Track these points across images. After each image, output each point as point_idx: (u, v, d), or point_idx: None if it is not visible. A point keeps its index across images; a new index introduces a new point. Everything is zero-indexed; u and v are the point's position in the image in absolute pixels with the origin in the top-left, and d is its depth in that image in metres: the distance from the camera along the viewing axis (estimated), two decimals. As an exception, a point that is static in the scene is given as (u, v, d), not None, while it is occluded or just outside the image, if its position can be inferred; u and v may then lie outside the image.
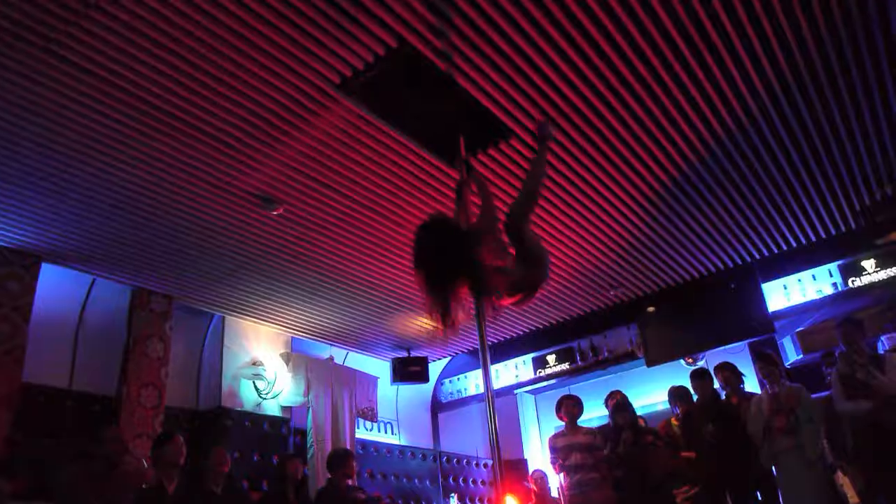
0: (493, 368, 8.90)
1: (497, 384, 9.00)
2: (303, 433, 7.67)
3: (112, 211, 5.25)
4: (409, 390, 9.45)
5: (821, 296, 7.30)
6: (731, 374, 6.22)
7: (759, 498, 5.69)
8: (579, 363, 8.74)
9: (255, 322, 7.57)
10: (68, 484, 4.27)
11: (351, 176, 5.12)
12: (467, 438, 9.74)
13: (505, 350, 9.04)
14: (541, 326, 8.61)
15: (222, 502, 5.18)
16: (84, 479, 4.33)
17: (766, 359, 5.78)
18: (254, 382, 7.35)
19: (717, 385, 6.38)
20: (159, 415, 6.31)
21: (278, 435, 7.41)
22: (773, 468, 5.50)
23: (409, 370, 8.81)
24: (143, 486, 4.96)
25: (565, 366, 8.85)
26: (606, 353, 8.57)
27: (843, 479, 6.20)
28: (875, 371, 5.27)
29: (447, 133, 4.28)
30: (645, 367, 8.09)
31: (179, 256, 6.02)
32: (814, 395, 5.75)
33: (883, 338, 7.65)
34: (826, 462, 5.61)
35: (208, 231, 5.66)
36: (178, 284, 6.56)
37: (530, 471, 8.73)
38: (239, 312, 7.32)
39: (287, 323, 7.68)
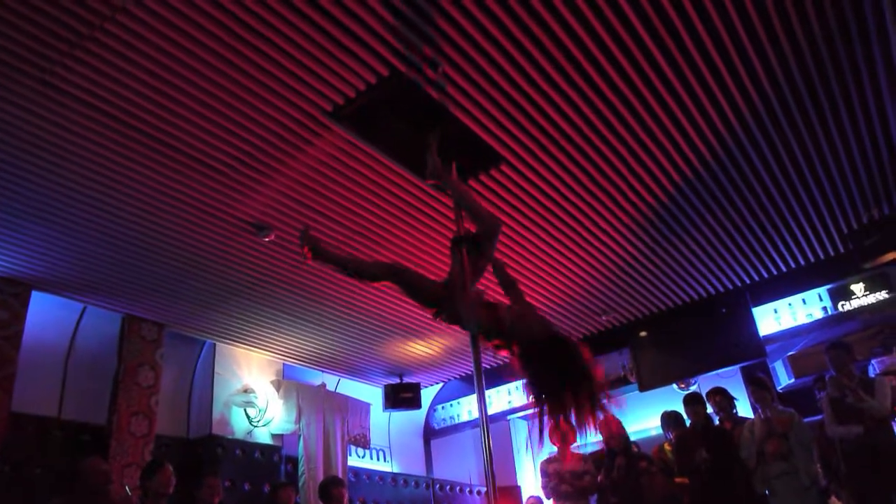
0: (486, 394, 8.86)
1: (490, 410, 8.96)
2: (294, 461, 7.61)
3: (103, 238, 5.25)
4: (402, 417, 9.39)
5: (811, 320, 7.34)
6: (723, 398, 6.24)
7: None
8: (572, 388, 8.70)
9: (246, 349, 7.54)
10: None
11: (343, 203, 5.14)
12: (460, 465, 9.66)
13: (498, 375, 8.99)
14: (533, 351, 8.57)
15: (213, 532, 5.12)
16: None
17: (759, 383, 5.80)
18: (245, 410, 7.30)
19: (709, 410, 6.39)
20: (149, 443, 6.25)
21: (270, 463, 7.35)
22: (767, 492, 5.49)
23: (401, 396, 8.76)
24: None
25: (558, 391, 8.80)
26: (599, 379, 8.54)
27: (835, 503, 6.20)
28: (864, 395, 5.30)
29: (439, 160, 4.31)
30: (637, 391, 8.08)
31: (171, 283, 6.01)
32: (807, 419, 5.76)
33: (873, 361, 7.70)
34: (820, 486, 5.61)
35: (200, 258, 5.66)
36: (170, 312, 6.53)
37: (524, 498, 8.66)
38: (230, 339, 7.29)
39: (278, 349, 7.65)
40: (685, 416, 6.33)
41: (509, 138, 4.58)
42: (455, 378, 9.40)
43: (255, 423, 7.32)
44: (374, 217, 5.36)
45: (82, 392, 6.25)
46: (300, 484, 7.38)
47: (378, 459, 9.01)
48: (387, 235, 5.63)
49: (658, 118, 4.53)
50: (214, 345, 7.31)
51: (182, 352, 7.18)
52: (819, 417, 5.88)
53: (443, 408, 9.83)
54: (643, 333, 7.97)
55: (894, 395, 5.53)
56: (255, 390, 7.42)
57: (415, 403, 8.83)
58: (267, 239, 5.44)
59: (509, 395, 9.14)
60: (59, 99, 3.87)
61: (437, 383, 9.52)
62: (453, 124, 4.25)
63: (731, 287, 7.37)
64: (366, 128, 4.27)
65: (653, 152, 4.90)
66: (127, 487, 5.57)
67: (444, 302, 3.14)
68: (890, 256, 6.03)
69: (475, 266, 3.21)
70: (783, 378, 8.16)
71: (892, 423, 6.06)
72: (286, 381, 7.83)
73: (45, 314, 6.09)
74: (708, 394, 6.33)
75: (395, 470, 9.10)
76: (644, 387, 7.96)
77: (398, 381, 8.87)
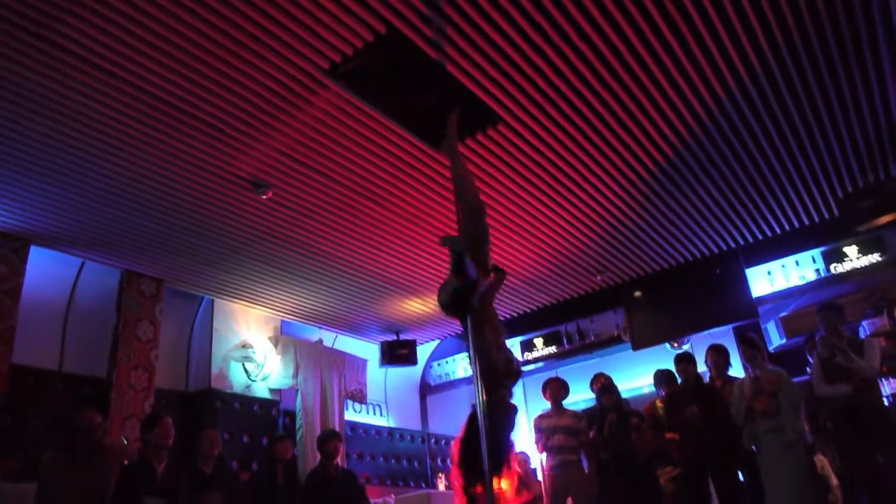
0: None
1: (485, 367, 9.06)
2: (292, 415, 7.75)
3: (102, 194, 5.26)
4: (398, 373, 9.52)
5: (804, 281, 7.41)
6: (719, 355, 6.29)
7: (741, 478, 5.80)
8: (566, 346, 8.86)
9: (244, 305, 7.61)
10: (50, 467, 4.29)
11: (340, 161, 5.15)
12: (455, 420, 9.75)
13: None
14: (528, 310, 8.69)
15: (212, 482, 5.22)
16: (65, 461, 4.35)
17: (750, 343, 5.86)
18: (243, 365, 7.41)
19: (701, 368, 6.48)
20: (149, 397, 6.36)
21: (268, 417, 7.48)
22: (755, 449, 5.61)
23: (397, 353, 8.88)
24: (126, 462, 5.00)
25: (552, 349, 8.96)
26: (593, 337, 8.68)
27: (822, 461, 6.34)
28: (854, 355, 5.38)
29: (436, 118, 4.30)
30: (631, 350, 8.19)
31: (169, 240, 6.04)
32: (796, 379, 5.85)
33: (864, 322, 7.78)
34: (806, 443, 5.73)
35: (198, 215, 5.68)
36: (168, 268, 6.58)
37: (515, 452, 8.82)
38: (228, 295, 7.35)
39: (276, 306, 7.72)
40: (677, 374, 6.42)
41: (507, 98, 4.57)
42: (451, 335, 9.51)
43: (253, 378, 7.43)
44: (371, 175, 5.37)
45: (82, 346, 6.33)
46: (297, 437, 7.52)
47: (374, 414, 9.16)
48: (384, 194, 5.65)
49: (655, 79, 4.52)
50: (213, 301, 7.37)
51: (181, 307, 7.25)
52: (808, 377, 5.97)
53: (438, 364, 9.96)
54: (637, 293, 8.04)
55: (882, 356, 5.62)
56: (253, 346, 7.51)
57: (411, 360, 8.95)
58: (265, 196, 5.45)
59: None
60: (58, 55, 3.86)
61: (433, 340, 9.63)
62: (451, 84, 4.22)
63: (725, 248, 7.42)
64: (363, 86, 4.24)
65: (649, 113, 4.90)
66: (124, 438, 5.69)
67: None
68: (884, 220, 6.07)
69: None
70: (775, 338, 8.24)
71: (880, 383, 6.18)
72: (284, 337, 7.92)
73: (44, 269, 6.14)
74: (707, 350, 6.39)
75: (391, 424, 9.27)
76: (637, 346, 8.06)
77: (395, 337, 8.98)
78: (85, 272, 6.46)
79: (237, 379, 7.32)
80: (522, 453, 8.32)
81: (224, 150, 4.90)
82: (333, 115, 4.63)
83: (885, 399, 6.36)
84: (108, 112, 4.37)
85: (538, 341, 9.06)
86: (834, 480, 6.17)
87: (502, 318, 8.87)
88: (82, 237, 5.88)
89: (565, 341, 8.87)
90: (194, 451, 5.38)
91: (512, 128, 4.91)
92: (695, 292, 7.64)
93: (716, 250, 7.45)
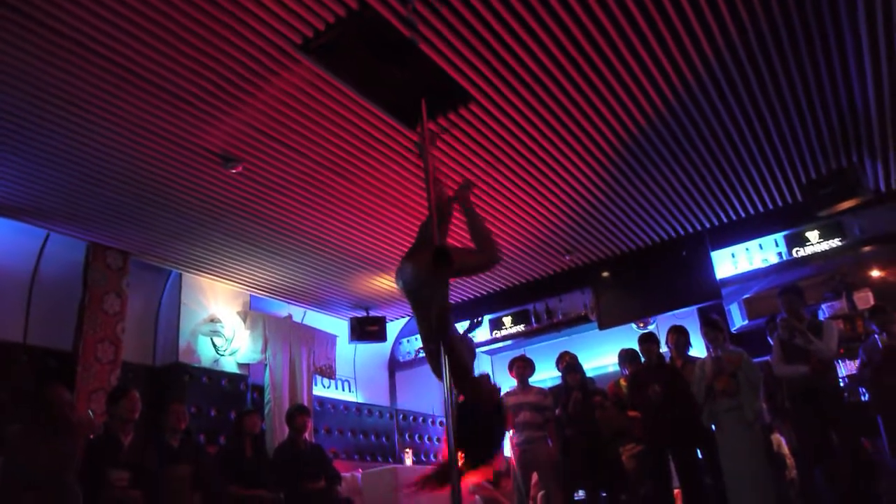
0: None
1: (454, 345, 9.13)
2: (260, 389, 7.76)
3: (66, 165, 5.18)
4: (368, 349, 9.56)
5: (767, 265, 7.58)
6: (679, 336, 6.42)
7: (700, 455, 5.96)
8: (534, 325, 8.97)
9: (213, 279, 7.57)
10: (16, 441, 4.27)
11: (311, 136, 5.13)
12: (424, 397, 9.91)
13: (462, 311, 9.19)
14: (498, 289, 8.76)
15: (179, 456, 5.24)
16: (31, 435, 4.32)
17: (712, 324, 5.99)
18: (211, 339, 7.39)
19: (664, 348, 6.61)
20: (116, 370, 6.33)
21: (236, 391, 7.49)
22: (714, 427, 5.76)
23: (367, 329, 8.91)
24: (92, 436, 4.99)
25: (521, 327, 9.06)
26: (561, 316, 8.80)
27: (778, 440, 6.53)
28: (813, 337, 5.53)
29: (408, 96, 4.30)
30: (598, 330, 8.32)
31: (137, 213, 5.98)
32: (757, 360, 6.00)
33: (824, 305, 7.99)
34: (764, 422, 5.89)
35: (167, 188, 5.62)
36: (135, 241, 6.51)
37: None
38: (197, 269, 7.30)
39: (246, 281, 7.70)
40: (640, 354, 6.55)
41: (478, 77, 4.59)
42: (420, 313, 9.52)
43: (221, 353, 7.42)
44: (342, 151, 5.36)
45: (48, 318, 6.26)
46: (266, 412, 7.55)
47: (343, 390, 9.20)
48: (354, 170, 5.64)
49: (624, 59, 4.55)
50: (181, 275, 7.32)
51: (149, 281, 7.19)
52: (767, 358, 6.12)
53: (408, 341, 10.01)
54: (605, 274, 8.14)
55: (840, 339, 5.79)
56: (221, 320, 7.49)
57: (380, 336, 8.98)
58: (234, 171, 5.42)
59: (473, 333, 9.31)
60: (23, 23, 3.77)
61: (403, 317, 9.67)
62: (423, 62, 4.22)
63: (691, 231, 7.54)
64: (335, 62, 4.21)
65: (618, 94, 4.94)
66: (91, 412, 5.66)
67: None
68: (844, 206, 6.22)
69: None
70: (738, 319, 8.43)
71: (837, 364, 6.36)
72: (253, 312, 7.91)
73: (8, 240, 6.06)
74: (669, 331, 6.52)
75: (360, 400, 9.32)
76: (604, 325, 8.18)
77: (364, 314, 9.00)
78: (50, 244, 6.36)
79: (205, 353, 7.30)
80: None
81: (194, 123, 4.85)
82: (305, 91, 4.61)
83: (841, 380, 6.56)
84: (75, 82, 4.29)
85: (507, 319, 9.16)
86: (790, 459, 6.37)
87: (472, 297, 8.97)
88: (47, 208, 5.79)
89: (534, 320, 8.98)
90: (161, 425, 5.37)
91: (483, 106, 4.92)
92: (661, 274, 7.76)
93: (682, 233, 7.57)
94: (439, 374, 2.92)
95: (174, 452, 5.25)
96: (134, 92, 4.44)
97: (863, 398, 6.54)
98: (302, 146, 5.24)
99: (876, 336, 5.94)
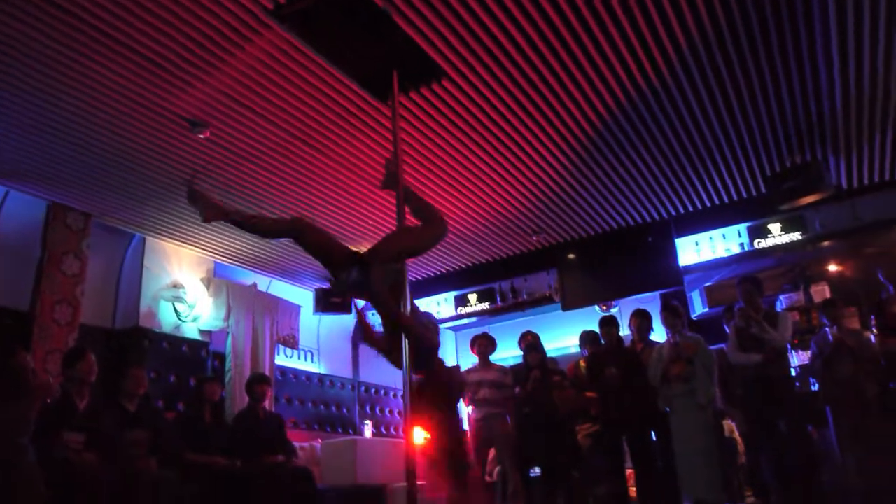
0: (415, 304, 9.05)
1: (418, 320, 9.17)
2: (222, 357, 7.72)
3: (31, 125, 5.06)
4: (332, 321, 9.54)
5: (729, 254, 7.71)
6: (642, 320, 6.52)
7: (654, 437, 6.09)
8: (499, 304, 9.03)
9: (177, 245, 7.48)
10: None
11: (281, 104, 5.07)
12: (386, 370, 9.90)
13: (427, 287, 9.23)
14: (464, 266, 8.80)
15: (135, 420, 5.21)
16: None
17: (671, 310, 6.10)
18: (173, 305, 7.32)
19: (625, 332, 6.70)
20: (73, 331, 6.24)
21: (197, 358, 7.44)
22: (668, 410, 5.88)
23: (332, 301, 8.89)
24: (49, 400, 4.93)
25: (486, 305, 9.12)
26: (525, 296, 8.87)
27: (730, 425, 6.70)
28: (768, 326, 5.65)
29: (380, 69, 4.27)
30: (561, 311, 8.41)
31: (100, 174, 5.87)
32: (714, 347, 6.13)
33: (781, 297, 8.17)
34: (716, 408, 6.03)
35: (132, 150, 5.52)
36: (98, 202, 6.40)
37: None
38: (161, 234, 7.21)
39: (210, 247, 7.62)
40: (601, 336, 6.65)
41: (451, 52, 4.56)
42: (386, 287, 9.52)
43: (183, 319, 7.36)
44: (311, 121, 5.31)
45: (4, 277, 6.13)
46: (226, 380, 7.52)
47: (306, 360, 9.19)
48: (324, 140, 5.59)
49: (597, 41, 4.55)
50: (144, 239, 7.22)
51: (110, 243, 7.08)
52: (723, 345, 6.25)
53: (372, 314, 9.97)
54: (571, 256, 8.22)
55: (795, 330, 5.93)
56: (184, 286, 7.42)
57: (345, 308, 8.98)
58: (202, 136, 5.34)
59: (438, 307, 9.39)
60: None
61: (368, 290, 9.65)
62: (396, 34, 4.19)
63: (657, 217, 7.63)
64: (307, 29, 4.17)
65: (590, 77, 4.95)
66: (49, 376, 5.58)
67: (346, 266, 3.28)
68: (805, 200, 6.34)
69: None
70: (699, 307, 8.59)
71: (790, 354, 6.52)
72: (216, 279, 7.84)
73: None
74: (632, 314, 6.61)
75: (323, 371, 9.32)
76: (567, 306, 8.27)
77: (329, 285, 8.97)
78: (9, 202, 6.21)
79: (167, 318, 7.24)
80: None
81: (162, 87, 4.76)
82: (276, 58, 4.54)
83: (793, 370, 6.74)
84: (42, 40, 4.18)
85: (472, 297, 9.21)
86: (741, 445, 6.54)
87: (438, 273, 8.99)
88: (6, 165, 5.65)
89: (499, 298, 9.04)
90: (120, 389, 5.33)
91: (456, 83, 4.91)
92: (626, 258, 7.85)
93: (648, 219, 7.66)
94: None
95: (131, 417, 5.22)
96: (103, 52, 4.33)
97: (813, 388, 6.72)
98: (271, 114, 5.18)
99: (827, 329, 6.10)
